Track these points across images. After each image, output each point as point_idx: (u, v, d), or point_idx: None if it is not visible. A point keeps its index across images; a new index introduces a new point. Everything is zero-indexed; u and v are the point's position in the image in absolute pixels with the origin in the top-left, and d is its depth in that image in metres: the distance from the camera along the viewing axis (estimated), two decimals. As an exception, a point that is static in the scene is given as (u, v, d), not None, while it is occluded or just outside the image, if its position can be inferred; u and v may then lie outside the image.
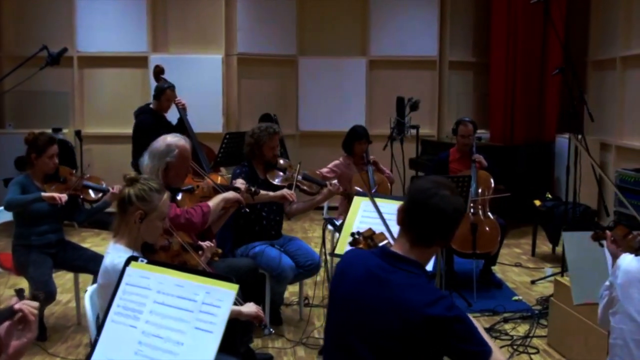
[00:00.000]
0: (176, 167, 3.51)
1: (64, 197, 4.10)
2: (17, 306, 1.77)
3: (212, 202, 3.59)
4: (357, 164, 5.62)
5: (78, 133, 7.57)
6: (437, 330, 1.89)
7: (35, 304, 1.81)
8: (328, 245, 5.14)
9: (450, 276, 5.23)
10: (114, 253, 2.63)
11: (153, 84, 7.66)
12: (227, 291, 1.92)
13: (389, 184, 5.58)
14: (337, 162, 5.62)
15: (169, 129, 6.03)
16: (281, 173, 4.54)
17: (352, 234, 2.70)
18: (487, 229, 5.24)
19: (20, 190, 4.15)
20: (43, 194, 4.08)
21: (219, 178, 4.07)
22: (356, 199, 3.19)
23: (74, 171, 4.55)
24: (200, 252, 2.95)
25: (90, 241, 6.72)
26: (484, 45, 8.51)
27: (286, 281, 4.37)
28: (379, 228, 3.04)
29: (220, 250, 3.15)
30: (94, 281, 4.25)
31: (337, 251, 3.08)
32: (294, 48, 8.53)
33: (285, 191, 4.30)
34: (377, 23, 8.50)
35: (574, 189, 5.51)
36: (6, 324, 1.76)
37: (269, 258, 4.29)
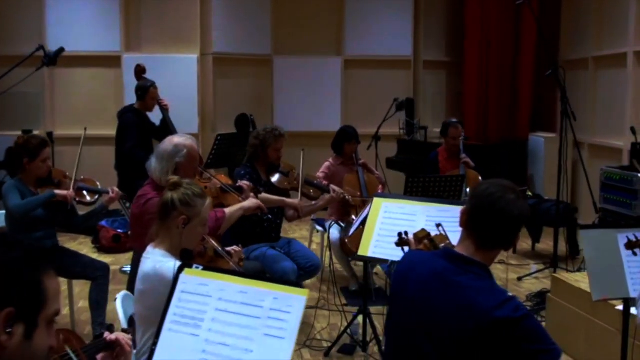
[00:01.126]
0: (185, 168, 3.44)
1: (72, 194, 4.00)
2: (112, 337, 1.86)
3: (229, 210, 3.51)
4: (346, 165, 5.62)
5: (50, 135, 7.36)
6: (505, 332, 1.90)
7: (129, 335, 1.90)
8: (314, 246, 5.21)
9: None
10: (153, 258, 2.56)
11: (128, 84, 7.58)
12: (298, 296, 1.89)
13: (379, 185, 5.60)
14: (327, 163, 5.61)
15: (152, 129, 5.94)
16: (283, 176, 4.52)
17: (399, 234, 2.69)
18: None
19: (19, 195, 4.00)
20: (56, 191, 3.96)
21: (225, 178, 4.01)
22: (376, 200, 3.18)
23: (67, 173, 4.42)
24: (229, 258, 2.90)
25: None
26: (457, 45, 8.61)
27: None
28: (401, 229, 3.05)
29: (244, 256, 3.10)
30: (94, 287, 4.15)
31: (360, 252, 3.07)
32: (269, 47, 8.47)
33: (297, 203, 4.30)
34: (352, 22, 8.51)
35: (558, 187, 5.63)
36: (101, 355, 1.85)
37: (271, 260, 4.26)
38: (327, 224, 5.49)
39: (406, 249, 2.74)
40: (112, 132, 7.81)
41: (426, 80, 8.68)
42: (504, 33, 8.22)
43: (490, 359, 1.93)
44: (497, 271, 6.00)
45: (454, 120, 5.85)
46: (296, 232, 7.40)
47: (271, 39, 8.46)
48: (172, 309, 2.03)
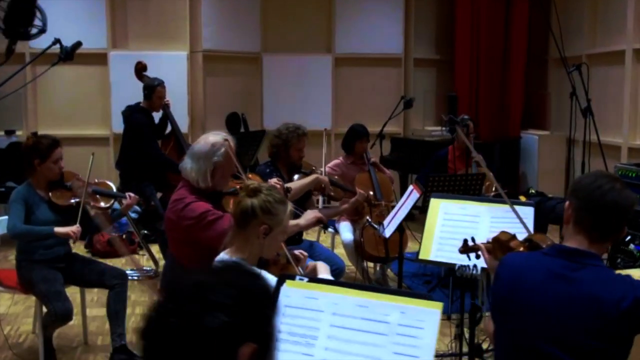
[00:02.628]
0: (223, 168, 3.24)
1: (77, 230, 3.73)
2: None
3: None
4: (356, 164, 5.48)
5: (34, 135, 7.01)
6: (635, 318, 1.88)
7: None
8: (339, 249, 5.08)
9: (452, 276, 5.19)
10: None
11: (115, 81, 7.32)
12: (430, 310, 1.74)
13: (391, 184, 5.48)
14: (337, 161, 5.47)
15: (157, 129, 5.74)
16: (305, 176, 4.35)
17: (465, 241, 2.57)
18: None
19: (22, 208, 3.75)
20: (55, 229, 3.71)
21: (258, 178, 3.82)
22: (434, 201, 3.05)
23: (80, 175, 4.16)
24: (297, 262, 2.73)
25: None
26: (447, 43, 8.56)
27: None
28: (464, 231, 2.93)
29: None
30: (112, 296, 3.92)
31: (421, 256, 2.94)
32: (258, 45, 8.28)
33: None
34: (342, 20, 8.38)
35: (566, 185, 5.61)
36: None
37: (298, 264, 4.10)
38: (338, 225, 5.35)
39: (472, 255, 2.62)
40: (98, 131, 7.60)
41: (417, 78, 8.60)
42: (495, 30, 8.19)
43: (622, 349, 1.90)
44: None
45: (466, 117, 5.75)
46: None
47: (261, 36, 8.26)
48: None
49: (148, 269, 5.88)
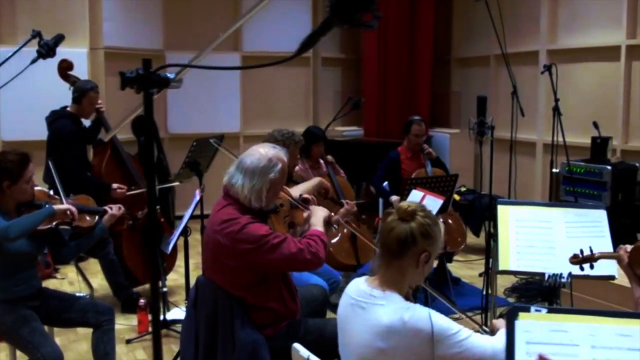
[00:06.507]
0: (277, 185, 2.87)
1: (74, 209, 3.18)
2: None
3: (319, 228, 2.98)
4: (314, 168, 5.23)
5: None
6: None
7: None
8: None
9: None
10: (392, 306, 2.05)
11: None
12: None
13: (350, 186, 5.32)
14: (296, 168, 5.17)
15: (87, 135, 5.08)
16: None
17: (581, 251, 2.44)
18: (452, 222, 5.35)
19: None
20: (56, 206, 3.12)
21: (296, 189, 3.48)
22: (502, 207, 2.90)
23: (51, 192, 3.53)
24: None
25: None
26: (352, 42, 8.51)
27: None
28: (541, 237, 2.84)
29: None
30: (99, 336, 3.38)
31: (501, 267, 2.78)
32: (160, 42, 7.68)
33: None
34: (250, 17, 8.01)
35: (509, 184, 5.73)
36: None
37: (301, 279, 3.78)
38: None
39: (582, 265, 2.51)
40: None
41: (325, 77, 8.47)
42: (401, 31, 8.27)
43: None
44: (453, 269, 5.99)
45: (417, 117, 5.69)
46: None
47: (162, 33, 7.68)
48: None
49: (81, 294, 5.19)
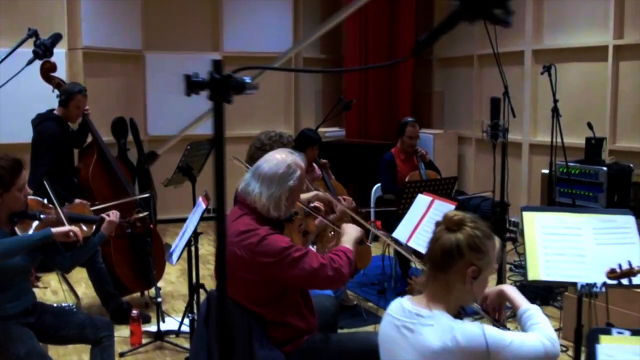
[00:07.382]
0: (296, 193, 2.74)
1: (78, 231, 3.01)
2: None
3: (348, 245, 2.85)
4: (307, 171, 5.09)
5: None
6: None
7: None
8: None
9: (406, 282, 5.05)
10: (441, 326, 1.93)
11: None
12: None
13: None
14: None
15: (72, 140, 4.88)
16: None
17: (620, 266, 2.37)
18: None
19: None
20: (54, 229, 2.94)
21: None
22: (527, 214, 2.82)
23: (45, 201, 3.34)
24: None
25: None
26: (333, 43, 8.41)
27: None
28: (570, 244, 2.78)
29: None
30: (98, 352, 3.22)
31: (531, 277, 2.69)
32: (139, 42, 7.47)
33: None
34: (230, 17, 7.87)
35: (502, 186, 5.69)
36: None
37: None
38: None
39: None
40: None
41: (305, 77, 8.35)
42: (382, 30, 8.19)
43: None
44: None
45: (411, 119, 5.62)
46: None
47: (141, 32, 7.47)
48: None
49: (66, 304, 4.98)
